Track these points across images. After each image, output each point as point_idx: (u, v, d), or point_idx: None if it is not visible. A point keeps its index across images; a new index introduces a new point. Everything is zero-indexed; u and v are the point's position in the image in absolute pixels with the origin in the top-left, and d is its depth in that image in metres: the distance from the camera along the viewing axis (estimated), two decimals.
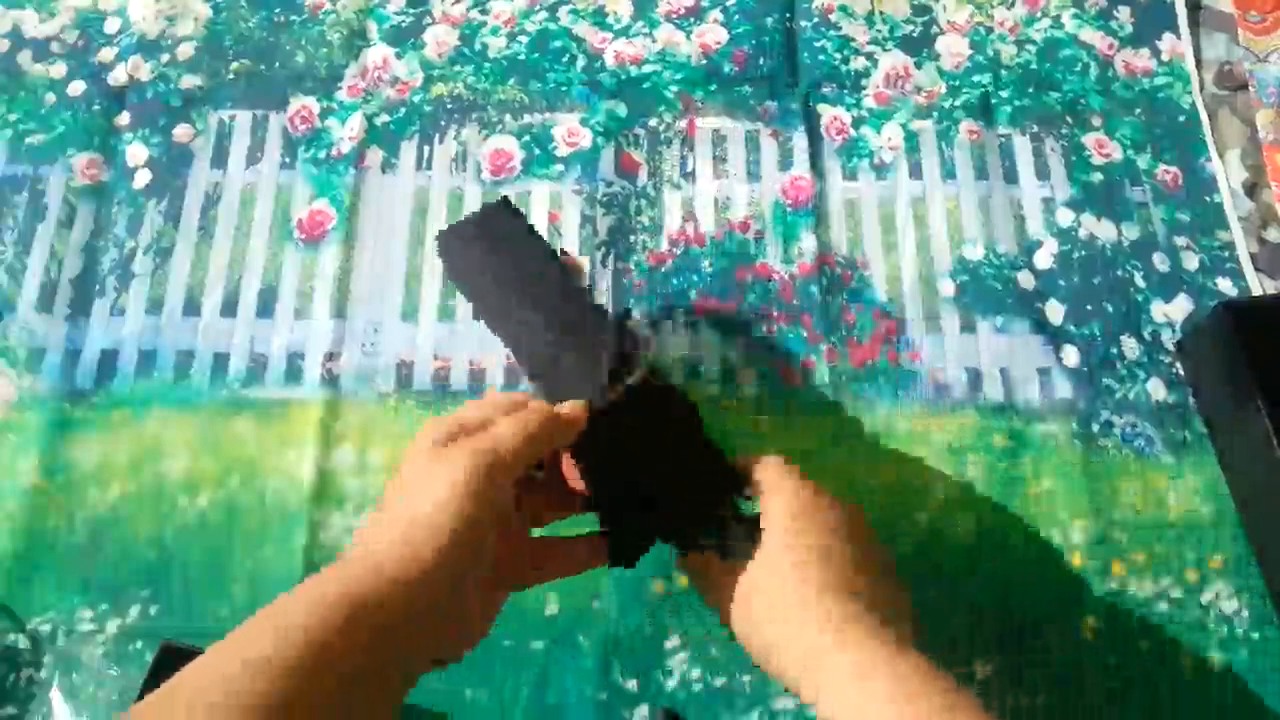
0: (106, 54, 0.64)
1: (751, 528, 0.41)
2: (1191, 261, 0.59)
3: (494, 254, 0.46)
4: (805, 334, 0.56)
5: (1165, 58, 0.65)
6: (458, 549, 0.33)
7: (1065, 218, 0.60)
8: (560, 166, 0.61)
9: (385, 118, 0.62)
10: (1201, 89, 0.64)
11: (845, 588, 0.37)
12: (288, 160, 0.61)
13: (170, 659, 0.45)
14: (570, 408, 0.41)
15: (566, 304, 0.45)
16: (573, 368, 0.43)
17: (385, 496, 0.37)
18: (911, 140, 0.62)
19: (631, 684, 0.48)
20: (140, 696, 0.43)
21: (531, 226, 0.48)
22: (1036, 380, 0.55)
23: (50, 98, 0.62)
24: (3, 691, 0.48)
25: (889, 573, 0.41)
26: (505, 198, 0.49)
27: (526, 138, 0.61)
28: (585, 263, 0.57)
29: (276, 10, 0.65)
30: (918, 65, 0.64)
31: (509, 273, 0.46)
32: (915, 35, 0.65)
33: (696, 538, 0.42)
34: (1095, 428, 0.54)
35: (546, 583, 0.43)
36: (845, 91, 0.63)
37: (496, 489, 0.36)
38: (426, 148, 0.61)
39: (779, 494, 0.41)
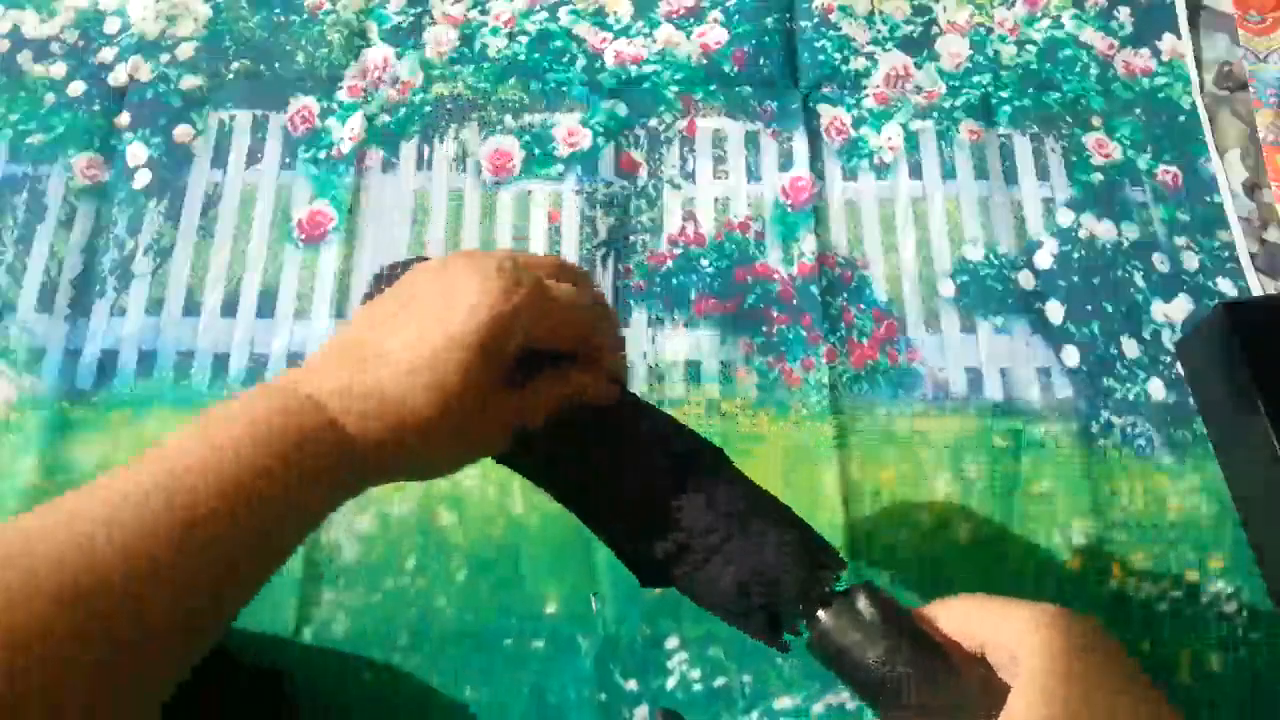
0: (106, 54, 0.64)
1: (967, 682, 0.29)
2: (1191, 261, 0.58)
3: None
4: (805, 334, 0.56)
5: (1165, 58, 0.65)
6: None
7: (1065, 218, 0.60)
8: (560, 166, 0.61)
9: (385, 118, 0.62)
10: (1201, 89, 0.64)
11: None
12: (288, 160, 0.61)
13: None
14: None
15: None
16: None
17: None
18: (911, 140, 0.62)
19: (631, 684, 0.48)
20: None
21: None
22: (1036, 380, 0.55)
23: (50, 98, 0.62)
24: None
25: None
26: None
27: (526, 138, 0.61)
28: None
29: (276, 10, 0.65)
30: (918, 65, 0.64)
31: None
32: (915, 35, 0.65)
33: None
34: (1095, 428, 0.54)
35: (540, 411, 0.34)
36: (845, 91, 0.63)
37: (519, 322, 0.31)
38: (426, 148, 0.61)
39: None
